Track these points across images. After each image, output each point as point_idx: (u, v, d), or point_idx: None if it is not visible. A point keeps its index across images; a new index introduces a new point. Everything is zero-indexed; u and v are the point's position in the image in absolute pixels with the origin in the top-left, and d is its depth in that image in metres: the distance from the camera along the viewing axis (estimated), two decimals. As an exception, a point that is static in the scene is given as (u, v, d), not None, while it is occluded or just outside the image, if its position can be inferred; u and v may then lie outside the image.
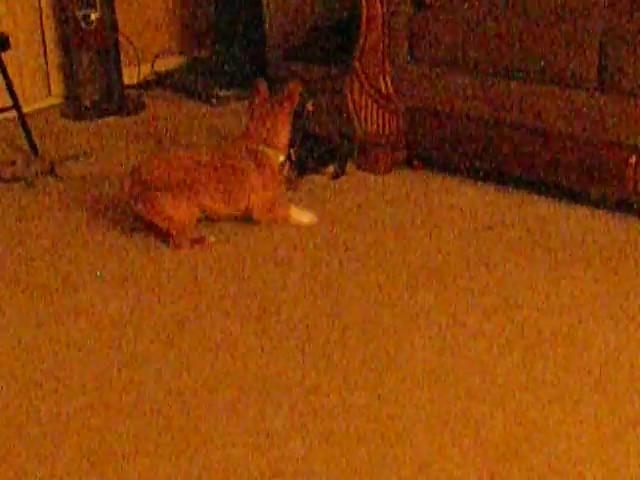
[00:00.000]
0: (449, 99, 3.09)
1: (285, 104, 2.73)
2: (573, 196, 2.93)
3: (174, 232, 2.68)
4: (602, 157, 2.79)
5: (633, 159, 2.72)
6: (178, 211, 2.64)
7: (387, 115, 3.24)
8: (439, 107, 3.10)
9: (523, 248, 2.66)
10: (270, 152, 2.72)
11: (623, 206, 2.84)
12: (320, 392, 1.95)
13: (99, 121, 3.92)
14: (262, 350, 2.14)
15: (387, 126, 3.24)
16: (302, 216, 2.84)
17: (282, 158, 2.77)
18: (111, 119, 3.94)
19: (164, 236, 2.72)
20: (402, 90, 3.18)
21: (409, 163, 3.31)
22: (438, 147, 3.19)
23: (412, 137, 3.22)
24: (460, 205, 3.00)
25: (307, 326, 2.24)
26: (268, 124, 2.73)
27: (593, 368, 2.01)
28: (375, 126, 3.26)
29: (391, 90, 3.21)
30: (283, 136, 2.76)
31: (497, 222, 2.86)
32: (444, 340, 2.14)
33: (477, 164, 3.12)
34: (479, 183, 3.15)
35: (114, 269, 2.60)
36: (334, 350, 2.13)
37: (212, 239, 2.75)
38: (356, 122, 3.28)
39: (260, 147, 2.72)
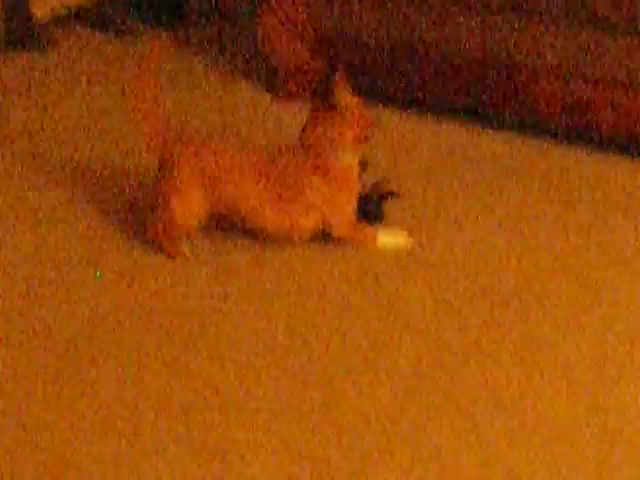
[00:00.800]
0: (362, 26, 3.10)
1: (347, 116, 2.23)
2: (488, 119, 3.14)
3: (160, 225, 2.32)
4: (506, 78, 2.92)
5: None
6: (183, 207, 2.27)
7: (300, 44, 3.24)
8: (353, 34, 3.15)
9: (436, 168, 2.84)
10: (340, 154, 2.24)
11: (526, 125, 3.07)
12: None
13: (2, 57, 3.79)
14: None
15: (301, 55, 3.25)
16: (393, 237, 2.41)
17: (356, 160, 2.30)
18: (16, 55, 3.82)
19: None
20: (316, 18, 3.20)
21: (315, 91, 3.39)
22: (353, 75, 3.21)
23: (326, 65, 3.27)
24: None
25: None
26: (331, 128, 2.23)
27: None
28: (289, 56, 3.27)
29: (304, 18, 3.22)
30: (350, 136, 2.24)
31: (415, 146, 3.01)
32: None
33: (391, 90, 3.18)
34: (396, 109, 3.29)
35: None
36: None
37: (187, 251, 2.37)
38: (269, 52, 3.28)
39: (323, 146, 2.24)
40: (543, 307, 2.14)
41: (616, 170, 2.85)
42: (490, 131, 3.13)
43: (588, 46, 2.78)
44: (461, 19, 2.97)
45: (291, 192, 2.25)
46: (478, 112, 3.22)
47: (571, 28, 2.79)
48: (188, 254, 2.35)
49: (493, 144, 3.03)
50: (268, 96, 3.48)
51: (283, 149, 2.28)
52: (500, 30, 2.91)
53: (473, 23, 2.95)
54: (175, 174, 2.24)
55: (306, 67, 3.35)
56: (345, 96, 2.19)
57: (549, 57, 2.85)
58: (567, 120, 2.90)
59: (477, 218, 2.54)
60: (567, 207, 2.59)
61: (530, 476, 1.63)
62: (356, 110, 2.22)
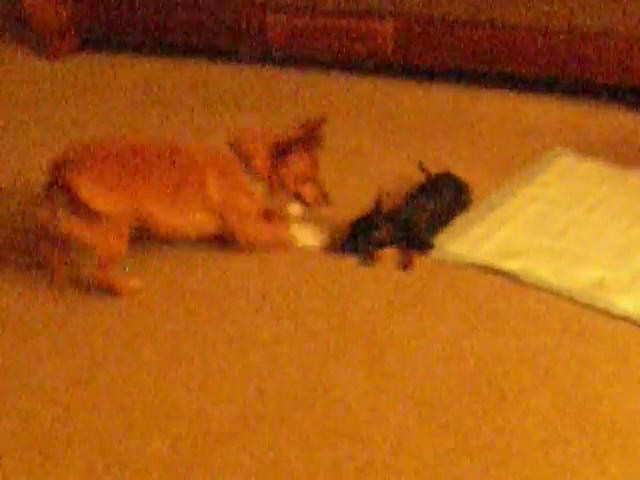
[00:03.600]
0: None
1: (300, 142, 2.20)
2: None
3: (100, 254, 2.08)
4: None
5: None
6: (103, 232, 2.05)
7: (58, 4, 3.53)
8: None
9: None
10: (255, 179, 2.22)
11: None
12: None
13: None
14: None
15: (58, 13, 3.54)
16: (308, 237, 2.34)
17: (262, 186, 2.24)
18: None
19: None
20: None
21: (83, 47, 3.65)
22: (109, 29, 3.54)
23: (84, 22, 3.54)
24: (132, 76, 3.48)
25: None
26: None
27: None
28: (47, 13, 3.55)
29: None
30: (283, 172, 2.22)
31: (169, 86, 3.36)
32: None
33: (146, 40, 3.53)
34: (146, 57, 3.63)
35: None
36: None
37: (136, 283, 2.19)
38: (34, 15, 3.54)
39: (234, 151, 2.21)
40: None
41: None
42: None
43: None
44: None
45: (193, 188, 2.15)
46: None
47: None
48: (138, 285, 2.19)
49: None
50: (37, 57, 3.72)
51: (189, 147, 2.21)
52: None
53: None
54: (87, 197, 1.98)
55: (67, 28, 3.67)
56: (296, 156, 2.20)
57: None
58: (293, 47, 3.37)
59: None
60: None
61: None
62: (299, 170, 2.21)
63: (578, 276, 2.15)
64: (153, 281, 2.22)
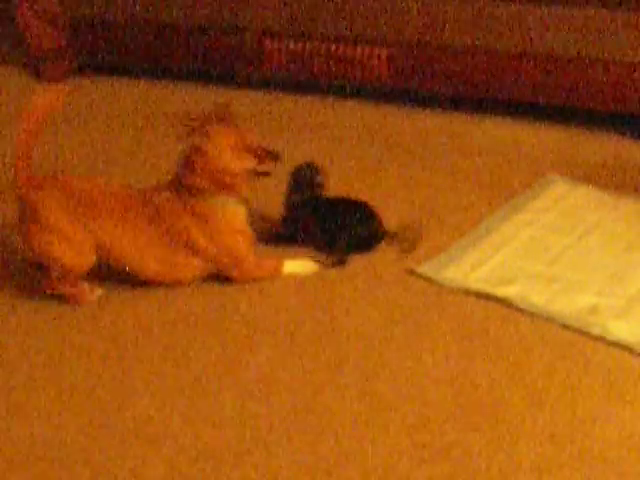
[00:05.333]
0: (117, 8, 3.46)
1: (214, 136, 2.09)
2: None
3: (54, 274, 2.11)
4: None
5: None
6: (66, 250, 2.07)
7: (54, 29, 3.57)
8: (106, 16, 3.56)
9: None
10: (217, 198, 2.13)
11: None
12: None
13: None
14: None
15: (55, 37, 3.59)
16: (299, 265, 2.29)
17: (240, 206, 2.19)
18: None
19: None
20: (68, 4, 3.60)
21: (80, 70, 3.68)
22: (107, 53, 3.58)
23: (80, 47, 3.58)
24: (129, 100, 3.53)
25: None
26: (209, 165, 2.10)
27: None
28: (45, 41, 3.59)
29: (55, 5, 3.54)
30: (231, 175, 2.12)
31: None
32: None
33: (145, 65, 3.57)
34: (144, 81, 3.71)
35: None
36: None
37: (99, 292, 2.20)
38: (29, 40, 3.58)
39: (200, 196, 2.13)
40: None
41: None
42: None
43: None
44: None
45: (171, 235, 2.11)
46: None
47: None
48: (95, 297, 2.18)
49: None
50: (32, 80, 3.76)
51: (160, 188, 2.15)
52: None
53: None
54: (48, 218, 2.04)
55: (64, 52, 3.71)
56: (214, 137, 2.08)
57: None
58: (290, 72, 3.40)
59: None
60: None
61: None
62: (232, 152, 2.09)
63: (572, 302, 2.17)
64: (143, 302, 2.21)
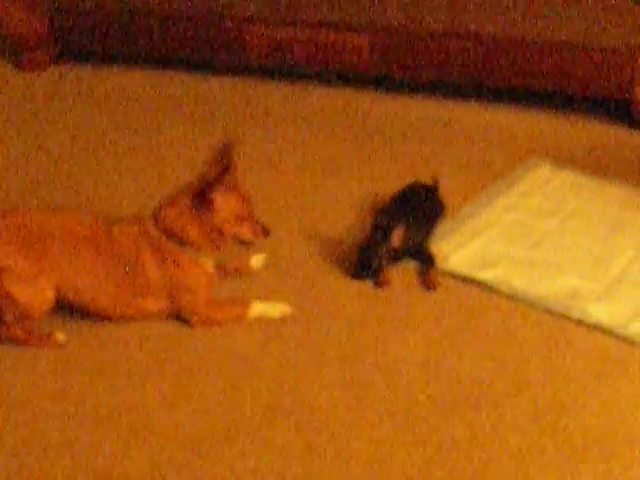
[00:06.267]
0: None
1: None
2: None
3: (9, 317, 2.00)
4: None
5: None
6: (22, 289, 1.95)
7: (34, 17, 3.55)
8: (86, 3, 3.51)
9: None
10: (191, 248, 2.05)
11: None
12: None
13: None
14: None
15: (34, 25, 3.56)
16: (269, 309, 2.15)
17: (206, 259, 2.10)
18: None
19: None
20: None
21: (60, 58, 3.67)
22: (88, 41, 3.56)
23: (60, 35, 3.56)
24: (109, 88, 3.50)
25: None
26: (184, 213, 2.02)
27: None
28: (25, 29, 3.57)
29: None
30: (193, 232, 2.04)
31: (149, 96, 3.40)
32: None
33: (125, 52, 3.55)
34: (125, 69, 3.68)
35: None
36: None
37: (61, 337, 2.06)
38: (10, 28, 3.56)
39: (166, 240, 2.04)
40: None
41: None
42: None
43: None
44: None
45: (130, 271, 2.03)
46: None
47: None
48: (63, 339, 2.06)
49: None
50: (12, 69, 3.74)
51: (127, 221, 2.08)
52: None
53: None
54: (4, 261, 1.94)
55: (44, 40, 3.69)
56: (222, 198, 2.00)
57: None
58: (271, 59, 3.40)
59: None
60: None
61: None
62: (235, 221, 2.04)
63: (553, 286, 2.18)
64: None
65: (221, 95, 3.43)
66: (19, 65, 3.74)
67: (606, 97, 3.03)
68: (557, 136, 3.01)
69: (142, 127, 3.18)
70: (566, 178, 2.71)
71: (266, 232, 2.11)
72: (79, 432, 1.80)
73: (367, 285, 2.23)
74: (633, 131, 3.04)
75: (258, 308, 2.13)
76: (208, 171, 2.03)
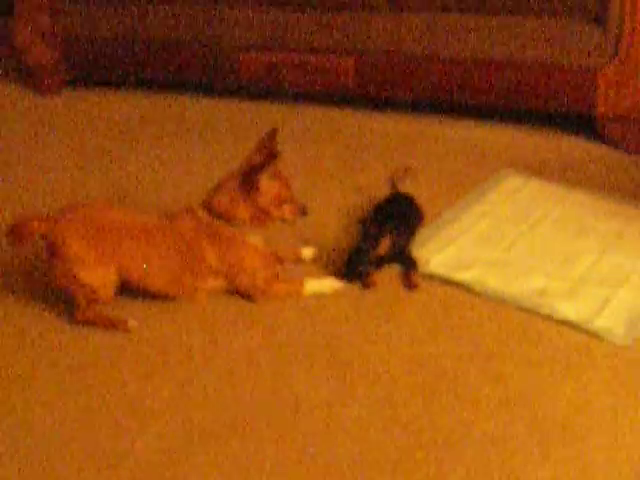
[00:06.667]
0: (105, 26, 3.46)
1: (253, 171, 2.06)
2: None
3: (82, 301, 2.07)
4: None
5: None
6: (90, 275, 2.03)
7: (49, 46, 3.56)
8: (95, 34, 3.52)
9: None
10: (244, 229, 2.12)
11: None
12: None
13: None
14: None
15: (48, 52, 3.57)
16: (320, 285, 2.21)
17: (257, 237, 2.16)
18: None
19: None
20: (61, 23, 3.55)
21: (72, 83, 3.67)
22: (97, 67, 3.57)
23: (72, 62, 3.58)
24: (119, 107, 3.53)
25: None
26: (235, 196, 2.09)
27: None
28: (41, 56, 3.58)
29: (50, 24, 3.53)
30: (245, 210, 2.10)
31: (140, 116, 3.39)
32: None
33: (132, 77, 3.56)
34: (131, 92, 3.71)
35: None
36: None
37: (133, 323, 2.09)
38: (26, 57, 3.58)
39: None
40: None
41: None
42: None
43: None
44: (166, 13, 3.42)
45: (189, 258, 2.08)
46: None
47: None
48: (134, 325, 2.09)
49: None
50: (29, 92, 3.76)
51: (180, 213, 2.13)
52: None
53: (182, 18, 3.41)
54: (73, 250, 2.01)
55: (58, 66, 3.70)
56: (267, 183, 2.07)
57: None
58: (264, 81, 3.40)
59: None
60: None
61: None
62: (278, 202, 2.11)
63: (524, 285, 2.19)
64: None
65: (219, 115, 3.43)
66: (36, 89, 3.75)
67: (571, 113, 3.04)
68: (526, 149, 3.03)
69: (147, 145, 3.18)
70: (535, 187, 2.72)
71: (304, 211, 2.18)
72: (90, 420, 1.79)
73: (354, 286, 2.23)
74: (596, 143, 3.05)
75: (312, 285, 2.19)
76: (253, 157, 2.10)
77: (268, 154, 2.05)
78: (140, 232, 2.07)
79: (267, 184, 2.07)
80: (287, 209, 2.15)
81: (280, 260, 2.30)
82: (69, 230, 2.01)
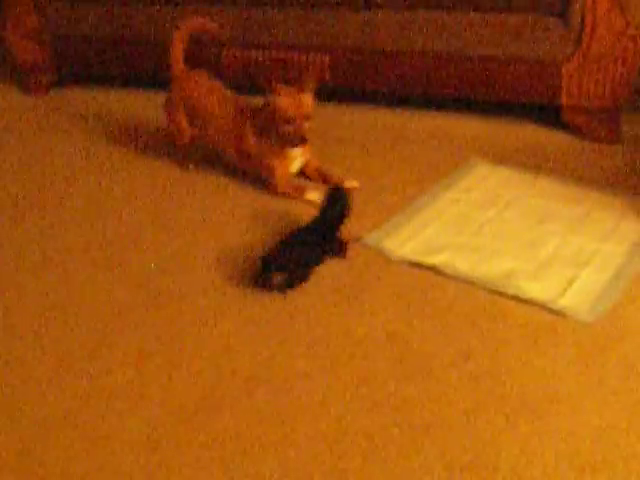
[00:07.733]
0: (92, 25, 3.42)
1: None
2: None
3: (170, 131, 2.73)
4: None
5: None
6: (174, 119, 2.73)
7: (37, 46, 3.51)
8: (83, 33, 3.47)
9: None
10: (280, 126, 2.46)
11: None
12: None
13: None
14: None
15: (39, 54, 3.52)
16: (312, 194, 2.54)
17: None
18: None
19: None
20: (50, 23, 3.49)
21: (61, 82, 3.64)
22: (85, 66, 3.53)
23: (60, 61, 3.53)
24: (107, 105, 3.48)
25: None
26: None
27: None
28: (30, 56, 3.53)
29: (38, 24, 3.48)
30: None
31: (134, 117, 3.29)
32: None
33: (119, 76, 3.54)
34: (120, 89, 3.70)
35: None
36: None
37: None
38: (14, 54, 3.53)
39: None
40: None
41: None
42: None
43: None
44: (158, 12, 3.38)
45: (239, 131, 2.54)
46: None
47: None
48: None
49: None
50: (18, 92, 3.72)
51: (250, 105, 2.57)
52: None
53: (168, 16, 3.38)
54: (175, 96, 2.67)
55: (46, 66, 3.65)
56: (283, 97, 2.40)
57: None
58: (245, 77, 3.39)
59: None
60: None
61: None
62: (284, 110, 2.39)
63: (492, 267, 2.18)
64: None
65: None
66: (25, 88, 3.70)
67: (537, 103, 3.03)
68: (494, 138, 3.02)
69: (134, 141, 3.15)
70: (502, 174, 2.71)
71: (303, 140, 2.40)
72: (76, 402, 1.77)
73: (336, 272, 2.22)
74: (560, 132, 3.04)
75: (310, 195, 2.50)
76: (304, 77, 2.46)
77: (313, 77, 2.41)
78: (217, 101, 2.59)
79: (282, 100, 2.38)
80: (290, 129, 2.39)
81: (325, 179, 2.62)
82: (184, 83, 2.65)
